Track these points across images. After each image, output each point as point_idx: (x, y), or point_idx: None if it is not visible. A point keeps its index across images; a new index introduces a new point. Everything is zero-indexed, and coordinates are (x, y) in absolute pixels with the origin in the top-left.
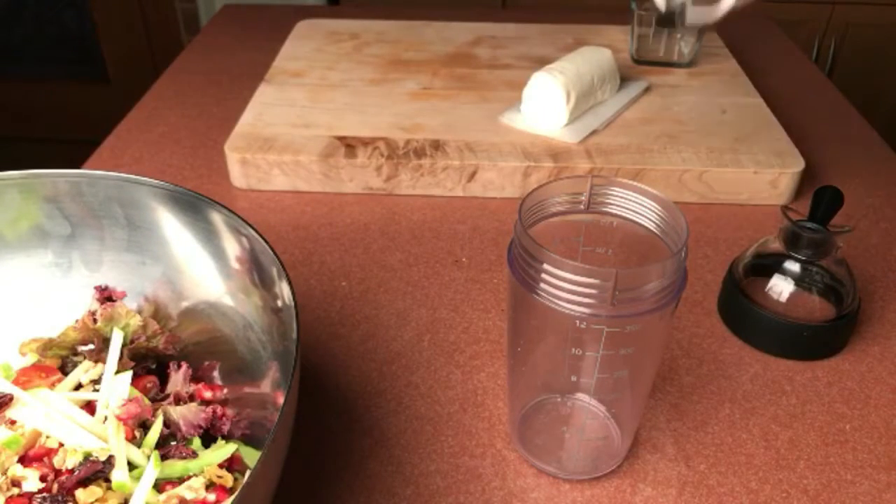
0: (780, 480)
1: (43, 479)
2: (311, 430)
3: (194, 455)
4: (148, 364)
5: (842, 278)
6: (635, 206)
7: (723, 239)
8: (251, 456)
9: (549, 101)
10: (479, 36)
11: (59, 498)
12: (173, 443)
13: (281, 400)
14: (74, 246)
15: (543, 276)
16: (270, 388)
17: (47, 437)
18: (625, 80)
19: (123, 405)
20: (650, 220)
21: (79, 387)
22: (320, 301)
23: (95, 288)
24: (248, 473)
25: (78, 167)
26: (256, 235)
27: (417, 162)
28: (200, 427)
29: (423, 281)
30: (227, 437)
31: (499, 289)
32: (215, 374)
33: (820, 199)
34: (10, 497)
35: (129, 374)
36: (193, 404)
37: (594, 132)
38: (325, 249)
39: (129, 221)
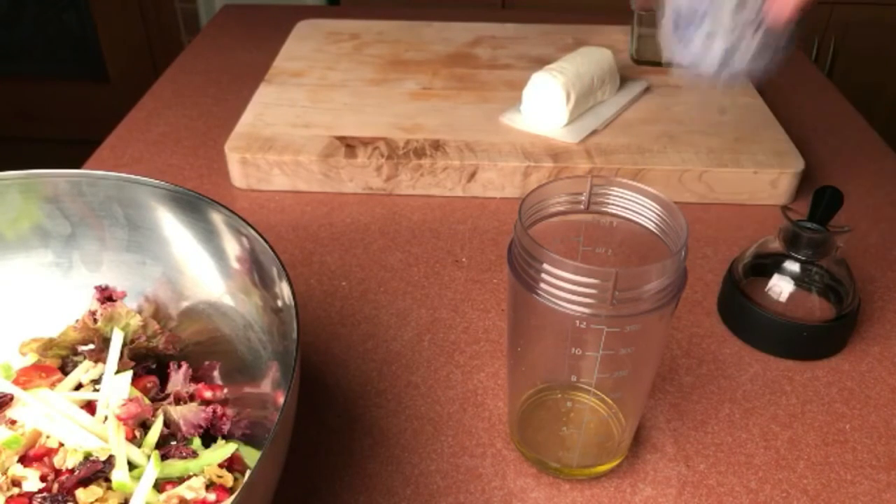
0: (780, 480)
1: (43, 479)
2: (311, 430)
3: (194, 455)
4: (148, 364)
5: (842, 278)
6: (635, 206)
7: (723, 239)
8: (251, 456)
9: (549, 101)
10: (479, 36)
11: (60, 498)
12: (173, 443)
13: (281, 400)
14: (74, 246)
15: (543, 275)
16: (270, 388)
17: (47, 437)
18: (625, 80)
19: (123, 405)
20: (650, 220)
21: (79, 387)
22: (320, 301)
23: (95, 288)
24: (248, 473)
25: (78, 167)
26: (256, 235)
27: (417, 162)
28: (200, 427)
29: (423, 281)
30: (227, 437)
31: (499, 289)
32: (215, 374)
33: (820, 199)
34: (10, 497)
35: (129, 374)
36: (193, 404)
37: (594, 132)
38: (325, 249)
39: (129, 221)
